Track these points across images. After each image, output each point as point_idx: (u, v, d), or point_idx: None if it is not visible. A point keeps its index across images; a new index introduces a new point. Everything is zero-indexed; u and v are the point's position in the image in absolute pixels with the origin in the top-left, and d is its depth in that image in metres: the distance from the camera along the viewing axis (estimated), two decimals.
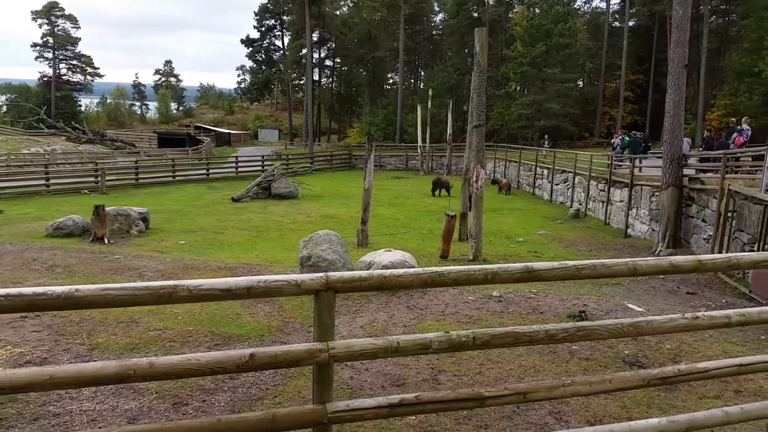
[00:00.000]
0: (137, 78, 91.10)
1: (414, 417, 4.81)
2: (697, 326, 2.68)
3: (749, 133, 18.30)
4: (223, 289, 2.18)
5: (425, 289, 9.23)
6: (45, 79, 73.13)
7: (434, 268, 2.40)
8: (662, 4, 49.47)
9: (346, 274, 2.31)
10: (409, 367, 6.09)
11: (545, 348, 6.72)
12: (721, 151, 12.77)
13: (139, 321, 7.25)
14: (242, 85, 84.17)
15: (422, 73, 71.86)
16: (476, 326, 7.52)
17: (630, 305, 9.12)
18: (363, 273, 2.32)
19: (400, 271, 2.35)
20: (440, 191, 27.06)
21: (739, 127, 18.11)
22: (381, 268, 8.82)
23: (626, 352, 6.79)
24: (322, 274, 2.27)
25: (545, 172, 28.09)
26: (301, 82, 71.65)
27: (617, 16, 58.85)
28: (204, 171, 35.51)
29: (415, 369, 6.06)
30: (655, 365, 6.49)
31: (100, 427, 4.57)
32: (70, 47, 74.45)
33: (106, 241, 13.73)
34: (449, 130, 35.64)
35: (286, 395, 5.44)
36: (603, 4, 59.37)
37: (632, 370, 6.36)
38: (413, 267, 9.42)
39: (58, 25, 73.32)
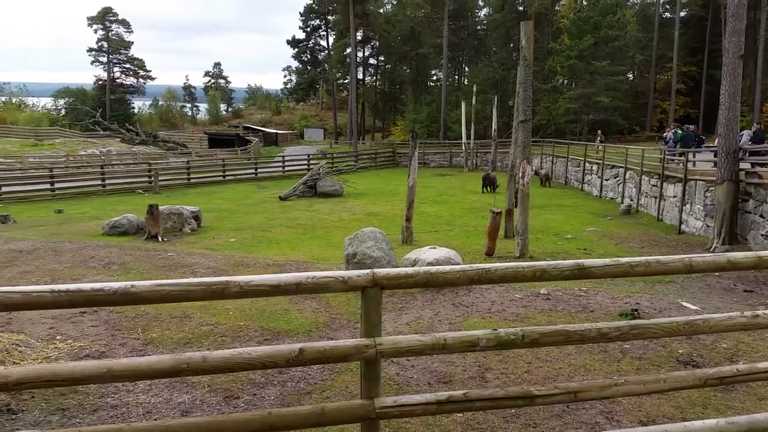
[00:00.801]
0: (187, 80, 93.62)
1: (461, 414, 4.80)
2: (757, 325, 2.58)
3: None
4: (273, 285, 2.23)
5: (471, 286, 9.19)
6: (100, 82, 75.95)
7: (480, 265, 2.39)
8: None
9: (392, 270, 2.33)
10: (456, 365, 6.07)
11: (596, 347, 6.59)
12: None
13: (191, 316, 7.46)
14: (288, 86, 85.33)
15: (466, 69, 71.31)
16: (523, 324, 7.42)
17: (684, 303, 8.84)
18: (409, 270, 2.33)
19: (446, 268, 2.36)
20: (490, 188, 26.84)
21: None
22: (426, 266, 8.80)
23: (680, 351, 6.59)
24: (368, 271, 2.29)
25: (594, 167, 27.46)
26: (346, 81, 72.11)
27: (668, 7, 56.97)
28: (252, 170, 36.19)
29: (461, 366, 6.04)
30: (711, 365, 6.28)
31: (155, 419, 4.74)
32: (123, 51, 77.08)
33: (159, 239, 14.15)
34: (494, 126, 35.20)
35: (333, 390, 5.51)
36: None
37: (687, 369, 6.19)
38: (458, 264, 9.37)
39: (112, 30, 75.97)
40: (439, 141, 51.09)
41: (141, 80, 79.70)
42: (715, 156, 19.03)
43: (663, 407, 5.16)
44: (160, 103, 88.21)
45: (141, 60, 79.23)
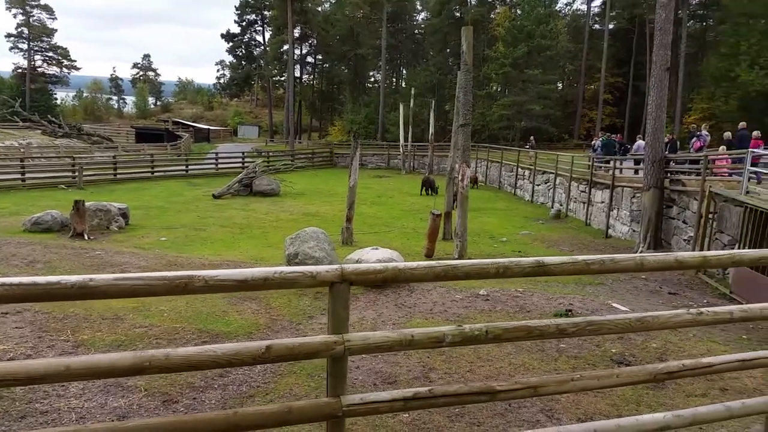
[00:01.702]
0: (114, 72, 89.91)
1: (407, 414, 4.81)
2: (701, 321, 2.71)
3: (708, 138, 19.12)
4: (239, 279, 2.15)
5: (412, 287, 9.24)
6: (19, 71, 71.63)
7: (447, 262, 2.39)
8: (642, 8, 50.22)
9: (361, 266, 2.30)
10: (400, 365, 6.08)
11: (533, 346, 6.77)
12: (702, 154, 12.99)
13: (124, 318, 7.14)
14: (222, 81, 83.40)
15: (404, 71, 71.94)
16: (465, 323, 7.55)
17: (614, 304, 9.23)
18: (377, 266, 2.31)
19: (414, 264, 2.35)
20: (428, 190, 27.20)
21: (698, 133, 18.85)
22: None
23: (613, 350, 6.86)
24: (337, 266, 2.25)
25: (526, 172, 28.32)
26: (282, 78, 71.19)
27: (597, 19, 59.50)
28: (183, 167, 35.15)
29: (406, 367, 6.06)
30: (642, 363, 6.58)
31: (89, 424, 4.49)
32: (45, 38, 73.01)
33: (85, 236, 13.49)
34: (431, 129, 35.71)
35: (277, 393, 5.40)
36: (584, 7, 60.04)
37: (620, 367, 6.46)
38: None
39: (33, 16, 71.80)
40: (377, 142, 51.29)
41: (65, 70, 75.71)
42: (638, 164, 20.16)
43: (599, 404, 5.36)
44: (84, 94, 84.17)
45: (65, 49, 75.29)
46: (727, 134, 19.38)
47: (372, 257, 8.97)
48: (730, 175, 13.81)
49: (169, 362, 2.05)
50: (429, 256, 12.49)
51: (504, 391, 2.46)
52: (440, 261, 2.41)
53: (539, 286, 10.14)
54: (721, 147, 17.84)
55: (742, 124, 18.31)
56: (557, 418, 5.08)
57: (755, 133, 17.04)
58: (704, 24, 51.83)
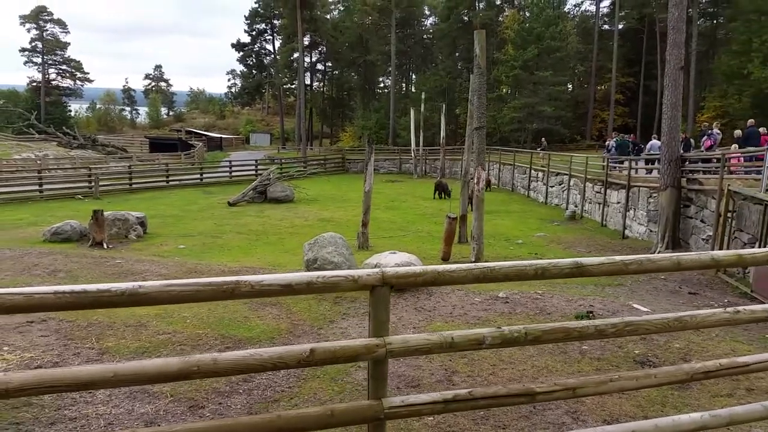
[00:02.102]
0: (127, 83, 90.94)
1: (432, 417, 4.80)
2: (739, 320, 2.70)
3: (719, 137, 19.02)
4: (284, 284, 2.18)
5: (431, 290, 9.24)
6: (34, 84, 72.65)
7: (484, 264, 2.40)
8: (651, 8, 49.93)
9: (401, 269, 2.32)
10: (423, 369, 6.08)
11: (556, 348, 6.73)
12: (718, 152, 12.89)
13: (147, 324, 7.21)
14: (233, 90, 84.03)
15: (413, 76, 72.03)
16: (485, 326, 7.54)
17: (635, 305, 9.16)
18: (417, 269, 2.33)
19: (453, 267, 2.36)
20: (441, 194, 27.24)
21: (709, 132, 18.78)
22: None
23: (636, 351, 6.81)
24: (377, 270, 2.27)
25: (540, 174, 28.21)
26: (293, 86, 71.56)
27: (606, 20, 59.23)
28: (197, 176, 35.42)
29: (428, 370, 6.06)
30: (666, 364, 6.53)
31: (118, 430, 4.54)
32: (59, 52, 74.04)
33: (105, 245, 13.63)
34: (442, 133, 35.73)
35: (301, 397, 5.43)
36: (593, 8, 59.82)
37: (643, 368, 6.41)
38: None
39: (46, 30, 72.88)
40: (388, 147, 51.36)
41: (78, 82, 76.74)
42: (650, 164, 20.06)
43: (624, 406, 5.32)
44: (98, 106, 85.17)
45: (78, 62, 76.37)
46: (738, 132, 19.28)
47: (391, 261, 8.98)
48: (747, 173, 13.72)
49: (218, 366, 2.08)
50: (445, 259, 12.46)
51: (543, 392, 2.46)
52: (478, 264, 2.42)
53: (558, 287, 10.09)
54: (733, 145, 17.73)
55: (750, 122, 18.34)
56: (583, 420, 5.05)
57: (762, 129, 17.04)
58: (714, 22, 51.42)
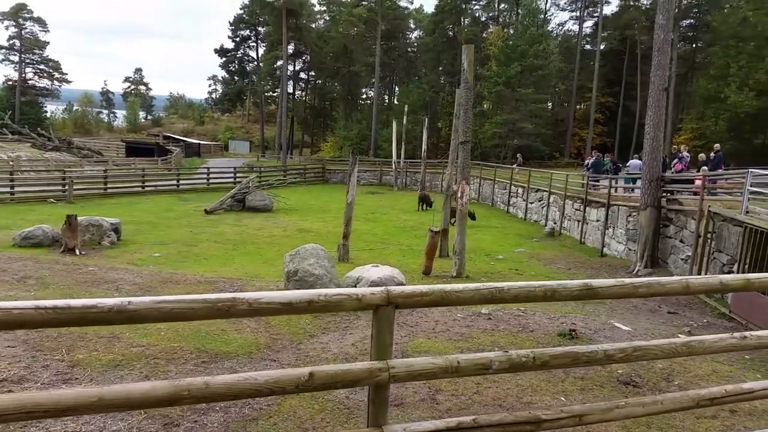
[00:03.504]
0: (106, 85, 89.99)
1: None
2: (745, 346, 2.64)
3: (688, 159, 19.60)
4: (284, 302, 2.05)
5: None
6: (10, 83, 71.25)
7: (493, 284, 2.30)
8: (633, 29, 50.88)
9: (407, 288, 2.19)
10: (406, 387, 5.93)
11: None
12: (701, 173, 13.03)
13: (120, 336, 6.94)
14: (213, 95, 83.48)
15: (396, 88, 72.27)
16: (468, 344, 7.42)
17: (617, 324, 9.14)
18: (423, 288, 2.21)
19: (460, 286, 2.25)
20: (425, 206, 27.42)
21: (680, 155, 19.21)
22: (369, 284, 8.67)
23: (620, 371, 6.76)
24: (383, 288, 2.15)
25: (520, 190, 28.35)
26: (275, 94, 71.35)
27: (589, 40, 60.23)
28: (174, 182, 34.90)
29: (411, 389, 5.91)
30: (649, 384, 6.48)
31: None
32: (37, 51, 72.88)
33: (77, 252, 13.26)
34: (424, 146, 35.77)
35: (281, 415, 5.24)
36: (576, 27, 60.76)
37: (627, 387, 6.35)
38: (402, 283, 9.29)
39: (25, 28, 71.68)
40: (369, 159, 51.31)
41: (55, 83, 75.54)
42: (627, 183, 20.36)
43: (610, 427, 5.22)
44: (75, 108, 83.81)
45: (56, 62, 75.22)
46: (702, 156, 19.96)
47: (373, 275, 8.84)
48: (714, 193, 14.17)
49: (209, 391, 1.94)
50: (427, 273, 12.36)
51: (549, 420, 2.35)
52: (487, 284, 2.30)
53: (540, 305, 10.04)
54: (702, 167, 18.16)
55: (716, 146, 19.09)
56: None
57: (711, 154, 18.32)
58: (693, 46, 52.57)
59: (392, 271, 9.27)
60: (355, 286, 8.91)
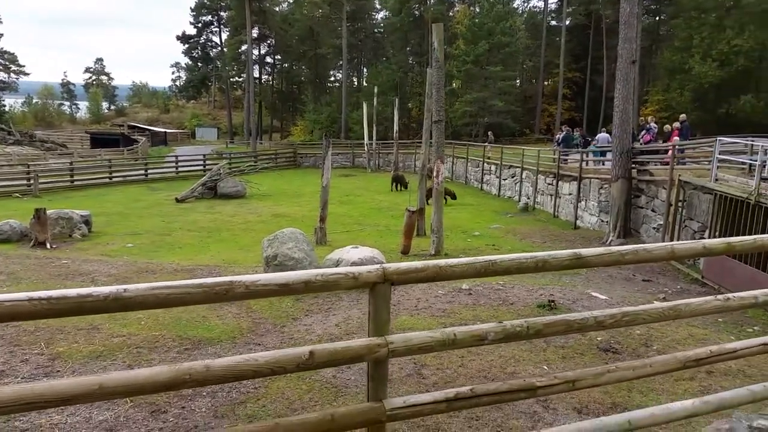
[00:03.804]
0: (66, 77, 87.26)
1: None
2: (729, 307, 2.71)
3: (656, 130, 20.00)
4: (281, 284, 2.03)
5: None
6: None
7: (486, 258, 2.31)
8: (598, 4, 51.20)
9: (402, 265, 2.20)
10: (392, 363, 5.96)
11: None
12: (671, 144, 13.27)
13: (100, 327, 6.84)
14: (177, 83, 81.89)
15: (365, 70, 71.77)
16: (450, 319, 7.50)
17: (593, 293, 9.32)
18: (418, 264, 2.21)
19: (454, 261, 2.27)
20: (399, 186, 27.45)
21: (647, 126, 19.58)
22: (350, 265, 8.66)
23: (599, 338, 6.91)
24: (378, 266, 2.15)
25: (493, 167, 28.55)
26: (240, 79, 70.27)
27: (554, 16, 60.49)
28: (142, 171, 34.33)
29: (397, 365, 5.95)
30: (628, 350, 6.65)
31: None
32: None
33: (48, 245, 12.96)
34: (396, 127, 35.73)
35: (269, 398, 5.24)
36: (541, 4, 61.03)
37: (607, 354, 6.50)
38: (382, 262, 9.30)
39: None
40: (340, 141, 51.05)
41: (13, 75, 73.12)
42: (596, 156, 20.67)
43: (593, 393, 5.34)
44: (35, 100, 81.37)
45: (12, 54, 72.75)
46: (667, 127, 20.42)
47: (353, 256, 8.83)
48: (684, 162, 14.50)
49: (210, 374, 1.92)
50: (405, 253, 12.41)
51: (543, 386, 2.39)
52: (480, 258, 2.32)
53: (518, 278, 10.16)
54: (675, 138, 18.51)
55: (682, 117, 19.49)
56: (553, 408, 5.08)
57: (676, 125, 18.69)
58: (657, 18, 53.22)
59: (372, 252, 9.28)
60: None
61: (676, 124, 18.89)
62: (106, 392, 1.83)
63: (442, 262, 2.25)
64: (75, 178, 29.85)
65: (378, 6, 70.10)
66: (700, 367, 5.65)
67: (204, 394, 5.25)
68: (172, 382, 1.93)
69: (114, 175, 32.23)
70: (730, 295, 2.70)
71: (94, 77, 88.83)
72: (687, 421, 3.68)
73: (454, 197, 23.11)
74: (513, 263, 2.36)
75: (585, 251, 2.43)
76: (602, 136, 22.76)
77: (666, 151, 14.95)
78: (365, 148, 41.59)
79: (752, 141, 11.09)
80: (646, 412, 2.65)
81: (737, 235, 9.70)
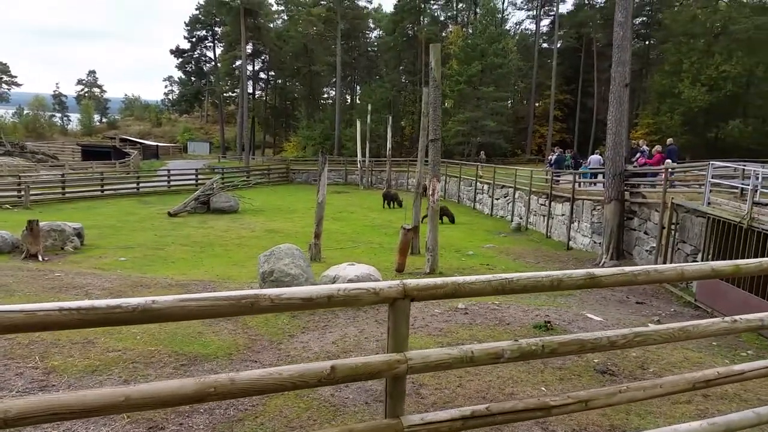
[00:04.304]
0: (58, 88, 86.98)
1: None
2: (736, 329, 2.75)
3: (648, 153, 20.20)
4: (305, 298, 2.05)
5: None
6: None
7: (503, 276, 2.34)
8: (589, 27, 52.01)
9: (422, 281, 2.22)
10: None
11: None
12: (662, 167, 13.43)
13: (95, 342, 6.77)
14: (170, 97, 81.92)
15: (358, 88, 72.19)
16: (447, 338, 7.49)
17: (589, 315, 9.36)
18: (438, 280, 2.24)
19: (472, 278, 2.29)
20: (392, 203, 27.54)
21: (641, 149, 19.88)
22: (347, 282, 8.66)
23: (596, 360, 6.91)
24: (398, 282, 2.17)
25: (485, 187, 28.69)
26: (233, 94, 70.44)
27: (546, 38, 61.32)
28: (134, 185, 34.21)
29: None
30: (624, 372, 6.67)
31: None
32: None
33: (40, 258, 12.86)
34: (389, 144, 35.90)
35: (267, 415, 5.20)
36: (533, 26, 61.80)
37: (604, 376, 6.52)
38: (378, 280, 9.31)
39: None
40: (333, 158, 51.18)
41: (5, 86, 72.94)
42: (594, 177, 20.88)
43: (591, 415, 5.34)
44: (26, 111, 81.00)
45: (5, 64, 72.69)
46: (657, 147, 20.69)
47: (350, 273, 8.83)
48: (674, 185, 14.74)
49: (235, 387, 1.93)
50: (400, 270, 12.41)
51: (557, 406, 2.41)
52: (496, 276, 2.35)
53: (513, 298, 10.19)
54: (667, 161, 18.74)
55: (669, 140, 19.94)
56: (552, 430, 5.07)
57: (658, 147, 19.19)
58: (647, 43, 54.06)
59: (368, 269, 9.29)
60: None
61: (658, 147, 19.23)
62: (132, 404, 1.83)
63: (459, 279, 2.28)
64: (67, 190, 29.68)
65: (372, 25, 70.79)
66: (708, 389, 5.70)
67: (201, 411, 5.20)
68: (197, 394, 1.93)
69: (106, 188, 32.09)
70: (737, 317, 2.75)
71: (86, 89, 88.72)
72: None
73: (452, 220, 23.15)
74: (530, 282, 2.39)
75: (598, 271, 2.48)
76: (594, 158, 23.04)
77: (655, 175, 15.16)
78: (358, 165, 41.70)
79: (743, 165, 11.26)
80: None
81: (730, 258, 9.81)
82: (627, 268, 2.54)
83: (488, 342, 2.46)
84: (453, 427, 2.31)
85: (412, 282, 2.20)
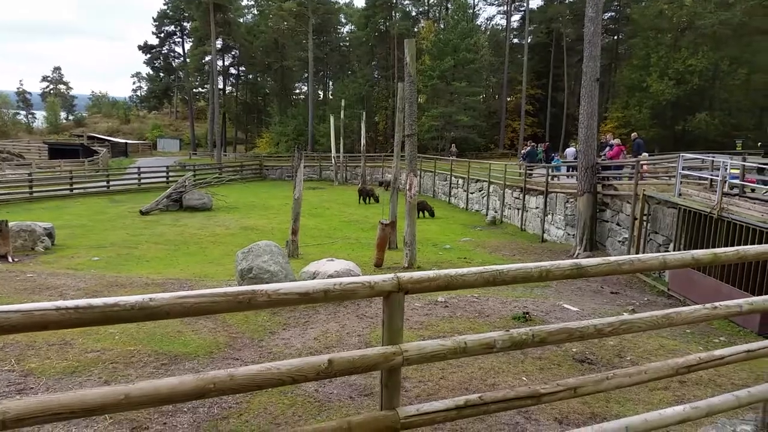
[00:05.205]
0: (22, 85, 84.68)
1: None
2: (717, 315, 2.83)
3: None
4: (301, 293, 2.06)
5: (371, 298, 9.15)
6: None
7: (494, 267, 2.38)
8: (559, 23, 52.59)
9: (415, 274, 2.24)
10: (374, 377, 5.96)
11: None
12: (633, 160, 13.69)
13: (72, 343, 6.66)
14: (138, 93, 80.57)
15: (331, 83, 71.89)
16: (428, 332, 7.55)
17: (565, 305, 9.51)
18: (431, 273, 2.27)
19: (464, 270, 2.33)
20: (368, 199, 27.55)
21: (610, 143, 20.28)
22: (327, 278, 8.65)
23: (574, 350, 7.03)
24: (392, 276, 2.20)
25: (460, 181, 28.88)
26: (203, 90, 69.58)
27: (516, 33, 61.83)
28: (104, 183, 33.62)
29: (379, 378, 5.94)
30: (603, 361, 6.80)
31: None
32: None
33: (10, 259, 12.57)
34: (363, 140, 35.87)
35: (251, 413, 5.18)
36: (503, 22, 62.23)
37: (583, 365, 6.64)
38: (358, 275, 9.32)
39: None
40: (307, 154, 50.93)
41: None
42: (570, 170, 21.17)
43: (572, 403, 5.44)
44: None
45: None
46: (616, 140, 21.15)
47: (330, 269, 8.83)
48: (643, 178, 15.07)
49: (234, 383, 1.93)
50: (378, 265, 12.44)
51: (547, 393, 2.47)
52: (488, 267, 2.39)
53: (491, 290, 10.29)
54: (644, 153, 19.10)
55: (634, 135, 20.51)
56: (535, 419, 5.14)
57: (617, 140, 19.88)
58: (615, 38, 54.89)
59: (348, 265, 9.29)
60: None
61: (617, 140, 19.61)
62: (132, 402, 1.82)
63: (452, 271, 2.31)
64: (34, 189, 29.00)
65: (344, 20, 70.51)
66: (683, 375, 5.84)
67: (185, 410, 5.16)
68: (196, 391, 1.94)
69: (75, 186, 31.46)
70: (717, 303, 2.85)
71: (51, 86, 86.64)
72: (679, 427, 3.80)
73: (432, 214, 23.26)
74: (519, 273, 2.44)
75: (584, 261, 2.54)
76: (570, 150, 23.39)
77: (619, 168, 15.47)
78: (333, 161, 41.58)
79: (712, 157, 11.54)
80: (640, 418, 2.75)
81: (701, 248, 10.06)
82: (611, 258, 2.61)
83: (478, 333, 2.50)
84: (448, 417, 2.34)
85: (406, 275, 2.23)
